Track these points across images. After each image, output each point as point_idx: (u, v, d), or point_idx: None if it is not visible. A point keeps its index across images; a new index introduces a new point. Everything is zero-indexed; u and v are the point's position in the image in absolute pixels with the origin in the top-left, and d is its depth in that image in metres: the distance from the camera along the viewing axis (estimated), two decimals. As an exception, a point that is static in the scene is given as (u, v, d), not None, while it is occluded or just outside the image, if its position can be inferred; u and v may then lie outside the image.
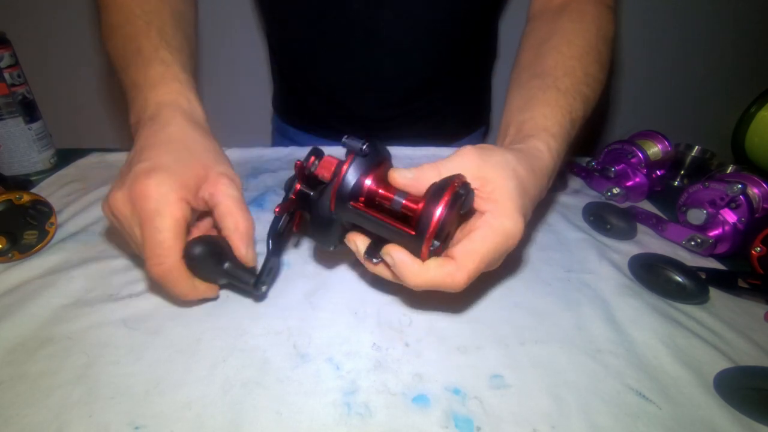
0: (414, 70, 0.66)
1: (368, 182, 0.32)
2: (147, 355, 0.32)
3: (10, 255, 0.39)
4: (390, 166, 0.34)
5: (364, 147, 0.30)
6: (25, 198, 0.40)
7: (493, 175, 0.31)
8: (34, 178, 0.56)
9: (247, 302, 0.37)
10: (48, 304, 0.36)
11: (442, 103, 0.71)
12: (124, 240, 0.34)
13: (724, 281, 0.40)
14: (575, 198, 0.56)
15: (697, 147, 0.64)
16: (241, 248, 0.34)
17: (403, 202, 0.31)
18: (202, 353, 0.32)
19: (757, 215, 0.46)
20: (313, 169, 0.33)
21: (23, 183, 0.54)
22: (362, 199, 0.32)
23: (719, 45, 1.06)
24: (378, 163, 0.32)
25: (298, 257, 0.43)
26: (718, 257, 0.46)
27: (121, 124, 1.13)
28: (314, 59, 0.67)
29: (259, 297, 0.37)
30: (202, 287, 0.34)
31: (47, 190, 0.53)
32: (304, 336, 0.34)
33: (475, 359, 0.33)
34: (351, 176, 0.31)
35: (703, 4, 1.01)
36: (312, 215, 0.33)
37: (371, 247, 0.32)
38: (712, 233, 0.45)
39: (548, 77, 0.42)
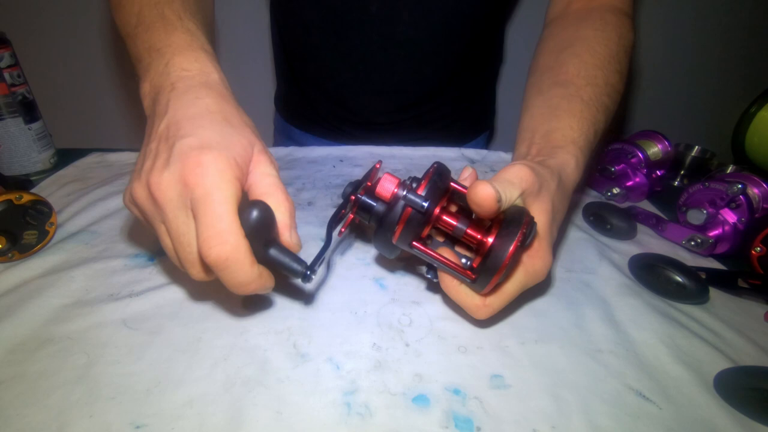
0: (427, 75, 0.66)
1: (436, 211, 0.32)
2: (147, 355, 0.32)
3: (10, 255, 0.39)
4: (448, 179, 0.33)
5: (426, 204, 0.30)
6: (25, 198, 0.40)
7: (538, 207, 0.32)
8: (34, 178, 0.56)
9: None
10: (48, 304, 0.36)
11: (451, 107, 0.71)
12: (156, 234, 0.30)
13: (724, 281, 0.40)
14: (575, 198, 0.56)
15: (697, 147, 0.64)
16: (285, 233, 0.31)
17: (466, 230, 0.32)
18: (203, 352, 0.32)
19: (757, 215, 0.46)
20: (373, 188, 0.32)
21: (23, 183, 0.54)
22: (426, 229, 0.32)
23: (719, 45, 1.06)
24: (444, 191, 0.32)
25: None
26: (718, 257, 0.46)
27: (121, 124, 1.13)
28: (329, 63, 0.66)
29: (306, 280, 0.32)
30: (265, 274, 0.29)
31: (47, 190, 0.53)
32: (304, 336, 0.34)
33: (475, 359, 0.33)
34: (411, 228, 0.31)
35: (703, 5, 1.01)
36: (376, 232, 0.33)
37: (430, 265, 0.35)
38: (712, 233, 0.45)
39: (571, 86, 0.42)
